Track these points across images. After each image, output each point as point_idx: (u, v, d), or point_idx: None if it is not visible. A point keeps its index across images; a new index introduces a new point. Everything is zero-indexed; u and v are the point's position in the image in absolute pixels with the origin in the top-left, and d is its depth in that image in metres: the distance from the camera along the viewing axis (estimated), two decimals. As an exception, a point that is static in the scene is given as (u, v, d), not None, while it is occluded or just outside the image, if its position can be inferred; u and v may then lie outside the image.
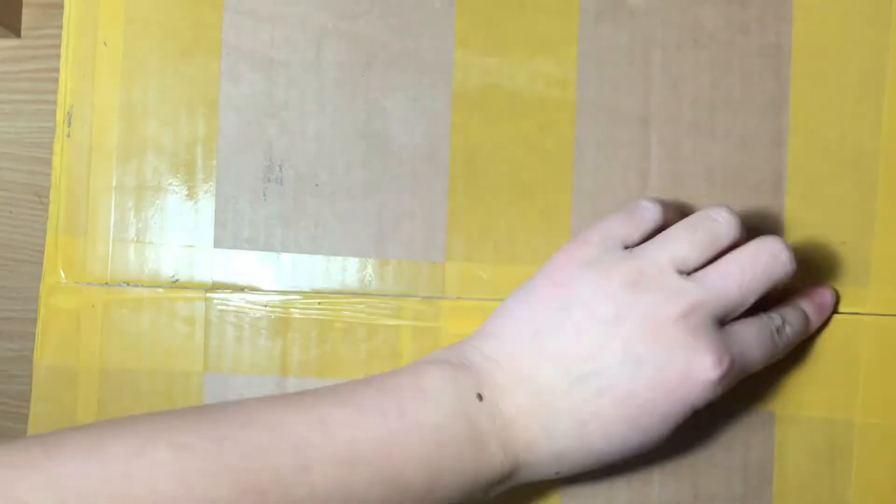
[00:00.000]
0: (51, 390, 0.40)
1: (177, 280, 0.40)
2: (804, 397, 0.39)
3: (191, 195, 0.41)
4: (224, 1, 0.41)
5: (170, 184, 0.41)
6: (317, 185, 0.40)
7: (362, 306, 0.40)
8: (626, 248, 0.36)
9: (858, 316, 0.39)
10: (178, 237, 0.41)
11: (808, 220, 0.39)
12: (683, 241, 0.35)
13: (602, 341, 0.33)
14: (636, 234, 0.36)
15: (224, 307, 0.40)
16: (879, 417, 0.39)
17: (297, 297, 0.40)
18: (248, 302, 0.40)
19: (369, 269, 0.40)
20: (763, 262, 0.34)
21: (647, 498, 0.39)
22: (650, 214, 0.36)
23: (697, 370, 0.33)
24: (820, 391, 0.39)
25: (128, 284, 0.40)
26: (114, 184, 0.41)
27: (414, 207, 0.40)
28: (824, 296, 0.39)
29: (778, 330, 0.36)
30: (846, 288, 0.39)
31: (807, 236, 0.39)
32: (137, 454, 0.29)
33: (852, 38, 0.39)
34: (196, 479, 0.29)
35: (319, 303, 0.40)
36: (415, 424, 0.32)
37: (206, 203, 0.41)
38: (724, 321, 0.34)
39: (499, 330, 0.35)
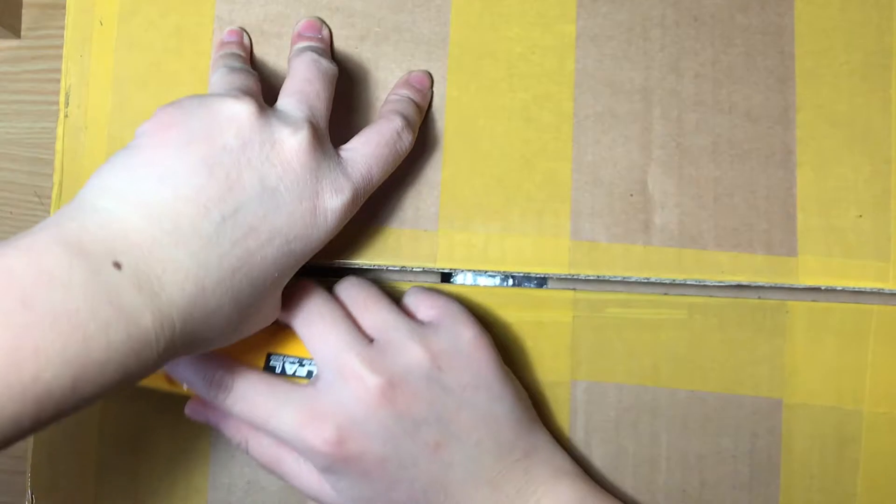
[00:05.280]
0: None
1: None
2: (812, 385, 0.38)
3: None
4: (218, -22, 0.40)
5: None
6: (309, 153, 0.39)
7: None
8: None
9: (867, 305, 0.38)
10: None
11: (821, 194, 0.38)
12: None
13: (236, 173, 0.30)
14: None
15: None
16: (888, 406, 0.38)
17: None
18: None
19: (360, 237, 0.39)
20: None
21: (654, 485, 0.38)
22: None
23: (324, 199, 0.32)
24: (828, 379, 0.38)
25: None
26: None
27: (406, 177, 0.39)
28: (419, 77, 0.39)
29: (400, 132, 0.36)
30: (867, 261, 0.38)
31: (822, 210, 0.38)
32: None
33: (855, 19, 0.39)
34: None
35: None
36: (47, 316, 0.25)
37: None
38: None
39: (112, 183, 0.29)
